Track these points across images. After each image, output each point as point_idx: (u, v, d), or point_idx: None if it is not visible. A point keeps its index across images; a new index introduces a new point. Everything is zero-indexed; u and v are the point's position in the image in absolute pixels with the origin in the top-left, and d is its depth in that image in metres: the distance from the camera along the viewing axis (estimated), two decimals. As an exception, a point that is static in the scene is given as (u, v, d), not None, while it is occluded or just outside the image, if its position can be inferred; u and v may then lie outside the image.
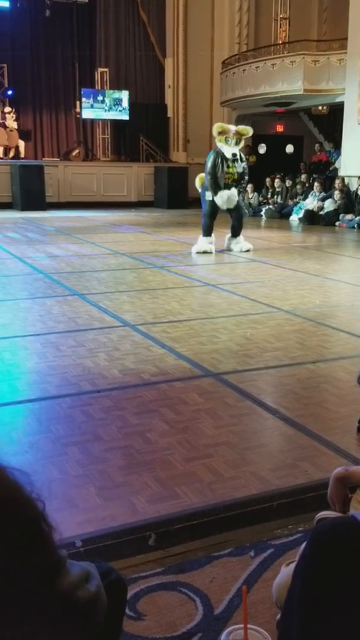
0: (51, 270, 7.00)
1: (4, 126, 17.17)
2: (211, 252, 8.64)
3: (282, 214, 14.53)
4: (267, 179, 15.69)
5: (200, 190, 8.92)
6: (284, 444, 2.69)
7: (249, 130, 8.67)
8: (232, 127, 8.63)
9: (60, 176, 16.37)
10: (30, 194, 14.85)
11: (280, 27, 16.89)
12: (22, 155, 17.33)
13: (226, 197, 8.55)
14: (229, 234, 9.00)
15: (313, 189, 14.11)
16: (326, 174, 15.36)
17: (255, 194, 15.59)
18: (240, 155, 8.63)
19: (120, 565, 1.79)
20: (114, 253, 8.49)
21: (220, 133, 8.46)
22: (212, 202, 8.63)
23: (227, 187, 8.54)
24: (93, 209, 15.68)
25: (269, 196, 15.46)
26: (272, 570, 1.81)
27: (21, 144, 17.38)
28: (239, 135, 8.50)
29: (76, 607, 0.90)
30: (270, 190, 15.51)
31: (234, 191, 8.61)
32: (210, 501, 2.19)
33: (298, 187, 14.89)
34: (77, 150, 17.81)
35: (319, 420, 2.91)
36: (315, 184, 14.11)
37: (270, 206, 14.96)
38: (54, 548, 0.86)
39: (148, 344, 4.17)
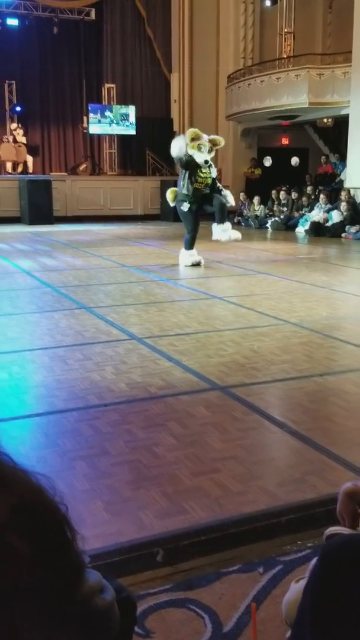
0: (59, 283, 7.03)
1: (13, 142, 17.34)
2: (201, 264, 8.57)
3: (288, 226, 14.55)
4: (273, 191, 15.73)
5: (173, 204, 8.76)
6: (292, 458, 2.67)
7: (221, 141, 8.55)
8: (205, 136, 8.51)
9: (68, 190, 16.47)
10: (38, 208, 14.96)
11: (285, 41, 17.01)
12: (30, 170, 17.49)
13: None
14: (215, 223, 8.77)
15: (319, 201, 14.13)
16: (332, 186, 15.40)
17: (262, 206, 15.64)
18: (211, 163, 8.52)
19: (128, 582, 1.77)
20: (121, 266, 8.51)
21: (193, 139, 8.34)
22: (190, 211, 8.49)
23: (200, 192, 8.43)
24: (100, 222, 15.76)
25: (275, 208, 15.50)
26: (281, 587, 1.79)
27: (29, 159, 17.55)
28: (212, 144, 8.41)
29: (93, 615, 0.91)
30: (276, 202, 15.56)
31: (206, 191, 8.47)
32: (219, 516, 2.18)
33: (304, 199, 14.92)
34: (84, 165, 17.96)
35: (327, 434, 2.89)
36: (321, 195, 14.13)
37: (276, 218, 14.99)
38: (77, 553, 0.86)
39: (155, 357, 4.16)
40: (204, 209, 8.64)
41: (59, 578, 0.81)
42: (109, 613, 0.95)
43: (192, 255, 8.63)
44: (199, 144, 8.31)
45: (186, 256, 8.63)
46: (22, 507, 0.78)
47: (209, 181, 8.47)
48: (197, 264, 8.55)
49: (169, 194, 8.77)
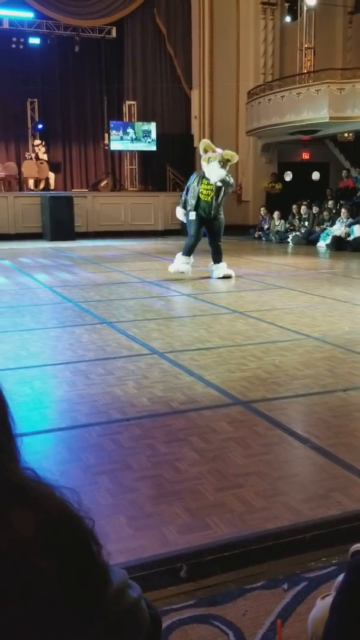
0: (80, 298, 7.08)
1: (35, 159, 17.59)
2: (186, 273, 8.71)
3: (309, 241, 14.51)
4: (294, 206, 15.73)
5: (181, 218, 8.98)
6: (315, 474, 2.65)
7: (234, 156, 8.53)
8: (219, 150, 8.53)
9: (89, 206, 16.63)
10: (60, 224, 15.11)
11: (305, 57, 17.08)
12: (52, 187, 17.70)
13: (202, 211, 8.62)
14: (211, 262, 8.96)
15: (340, 215, 14.09)
16: (353, 200, 15.35)
17: (282, 220, 15.63)
18: (226, 178, 8.51)
19: (152, 597, 1.77)
20: (142, 281, 8.55)
21: (205, 151, 8.47)
22: (196, 220, 8.63)
23: (206, 203, 8.56)
24: (121, 238, 15.88)
25: (296, 223, 15.48)
26: (306, 604, 1.77)
27: (51, 176, 17.76)
28: (223, 160, 8.41)
29: (120, 615, 0.92)
30: (296, 217, 15.54)
31: (212, 203, 8.60)
32: (242, 532, 2.17)
33: (325, 213, 14.89)
34: (106, 181, 18.12)
35: (351, 450, 2.87)
36: (343, 210, 14.09)
37: (297, 233, 14.97)
38: (103, 565, 0.87)
39: (176, 372, 4.17)
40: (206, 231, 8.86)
41: (86, 591, 0.81)
42: (136, 610, 0.96)
43: (181, 262, 8.73)
44: (208, 157, 8.42)
45: (180, 261, 8.73)
46: (48, 523, 0.79)
47: (213, 193, 8.54)
48: (182, 273, 8.70)
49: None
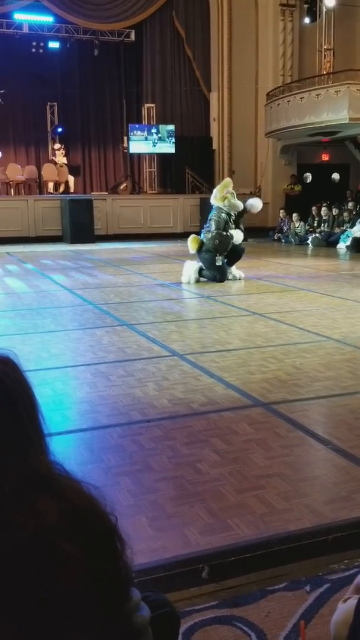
0: (100, 301, 7.12)
1: (54, 162, 17.72)
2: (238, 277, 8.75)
3: (329, 242, 14.44)
4: (313, 208, 15.66)
5: (194, 252, 8.72)
6: (337, 476, 2.63)
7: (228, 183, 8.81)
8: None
9: (109, 209, 16.71)
10: (80, 227, 15.20)
11: (325, 58, 17.00)
12: (72, 190, 17.81)
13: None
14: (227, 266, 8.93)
15: (360, 217, 14.00)
16: (374, 202, 15.25)
17: (302, 222, 15.57)
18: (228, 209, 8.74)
19: (174, 598, 1.77)
20: (161, 283, 8.57)
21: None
22: (223, 266, 8.62)
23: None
24: (140, 240, 15.92)
25: (315, 225, 15.41)
26: (329, 606, 1.76)
27: (71, 179, 17.88)
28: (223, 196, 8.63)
29: (132, 631, 0.91)
30: (316, 219, 15.47)
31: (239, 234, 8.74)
32: (264, 534, 2.16)
33: (345, 215, 14.80)
34: (125, 184, 18.19)
35: (373, 452, 2.84)
36: (363, 211, 14.01)
37: (317, 234, 14.89)
38: (126, 565, 0.87)
39: (196, 374, 4.17)
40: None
41: (108, 587, 0.82)
42: (145, 630, 0.96)
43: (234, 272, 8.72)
44: (230, 193, 8.60)
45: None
46: (72, 512, 0.80)
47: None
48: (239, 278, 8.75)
49: (193, 243, 8.68)
